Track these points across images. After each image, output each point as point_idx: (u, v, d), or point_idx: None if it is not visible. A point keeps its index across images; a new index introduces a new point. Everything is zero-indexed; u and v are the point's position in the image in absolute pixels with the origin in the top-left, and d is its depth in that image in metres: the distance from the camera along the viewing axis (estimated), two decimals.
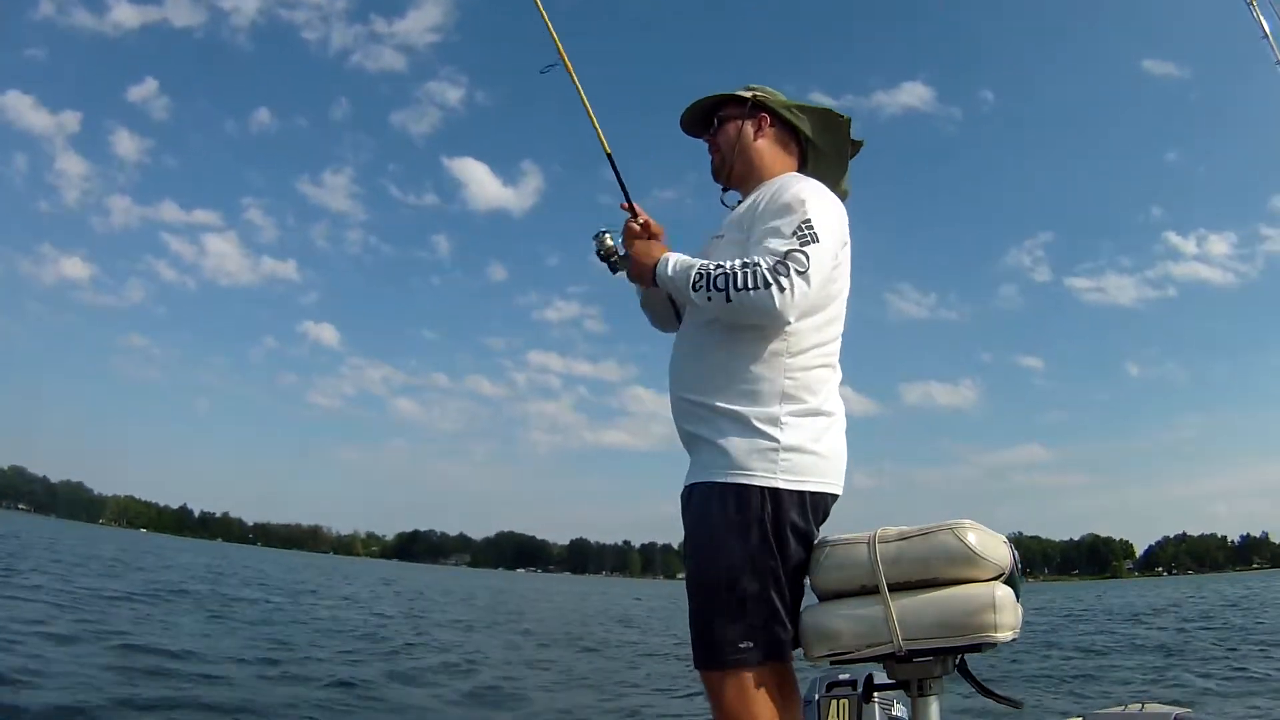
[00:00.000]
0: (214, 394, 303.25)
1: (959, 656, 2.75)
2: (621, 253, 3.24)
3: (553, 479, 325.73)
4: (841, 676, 3.82)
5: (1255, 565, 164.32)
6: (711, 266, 2.80)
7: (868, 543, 2.73)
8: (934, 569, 2.65)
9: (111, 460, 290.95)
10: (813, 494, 2.77)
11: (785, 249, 2.74)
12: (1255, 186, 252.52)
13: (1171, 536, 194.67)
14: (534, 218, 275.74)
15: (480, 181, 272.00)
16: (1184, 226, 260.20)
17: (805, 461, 2.76)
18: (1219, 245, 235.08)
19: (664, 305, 3.32)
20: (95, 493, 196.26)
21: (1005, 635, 2.58)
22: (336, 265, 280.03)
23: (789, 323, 2.74)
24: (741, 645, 2.66)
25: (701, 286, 2.80)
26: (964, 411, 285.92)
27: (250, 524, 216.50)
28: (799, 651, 2.82)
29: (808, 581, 2.86)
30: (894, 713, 3.84)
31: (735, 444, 2.76)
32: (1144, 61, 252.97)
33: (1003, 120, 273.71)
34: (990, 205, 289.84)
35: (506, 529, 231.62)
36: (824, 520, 2.87)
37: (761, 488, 2.71)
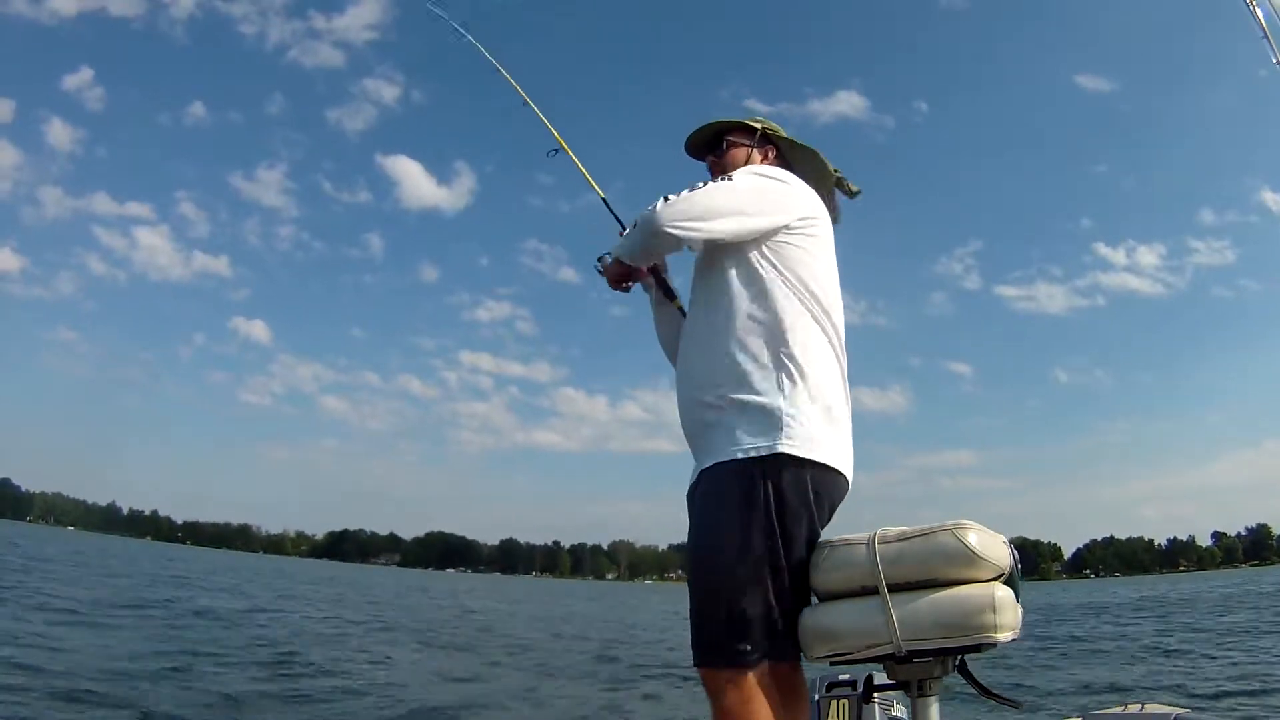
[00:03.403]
0: (143, 390, 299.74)
1: (959, 657, 2.74)
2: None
3: (483, 479, 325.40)
4: (841, 676, 3.82)
5: (1182, 568, 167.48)
6: None
7: (867, 543, 2.70)
8: (934, 569, 2.64)
9: (38, 456, 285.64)
10: (813, 475, 2.74)
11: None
12: (1184, 199, 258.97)
13: (1099, 539, 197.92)
14: (467, 218, 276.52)
15: (414, 180, 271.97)
16: (1113, 238, 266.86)
17: (804, 431, 2.74)
18: (1148, 256, 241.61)
19: (677, 337, 3.32)
20: (23, 490, 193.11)
21: (1005, 636, 2.57)
22: (268, 261, 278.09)
23: (667, 231, 2.85)
24: (740, 645, 2.63)
25: (627, 231, 3.12)
26: (892, 416, 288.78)
27: (179, 522, 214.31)
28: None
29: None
30: (894, 713, 3.85)
31: (735, 423, 2.77)
32: (1076, 75, 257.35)
33: (936, 130, 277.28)
34: (922, 213, 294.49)
35: (436, 529, 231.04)
36: (830, 516, 2.86)
37: (759, 470, 2.69)
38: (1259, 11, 5.76)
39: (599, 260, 3.35)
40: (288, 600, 26.59)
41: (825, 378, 2.86)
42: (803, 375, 2.79)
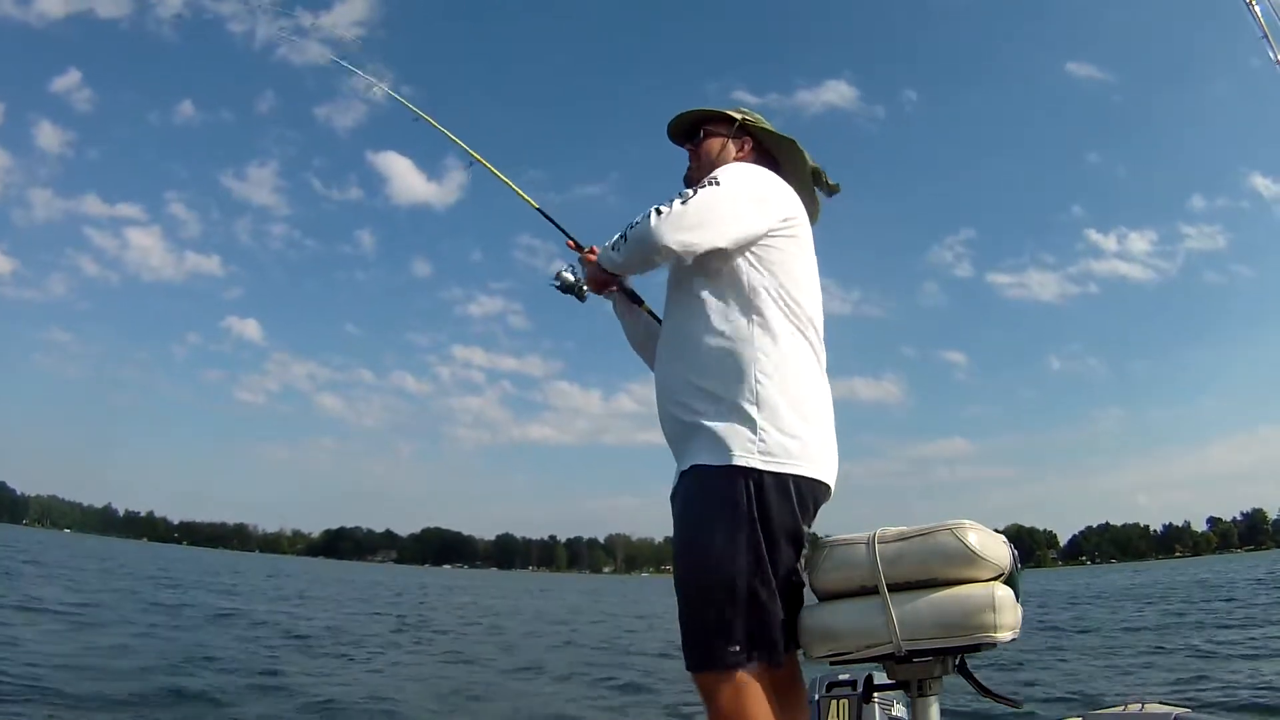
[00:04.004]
0: (136, 390, 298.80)
1: (959, 657, 2.75)
2: (584, 283, 3.44)
3: (478, 474, 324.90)
4: (841, 676, 3.84)
5: (1178, 553, 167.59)
6: (625, 227, 2.95)
7: (867, 543, 2.72)
8: (933, 569, 2.65)
9: (33, 459, 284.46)
10: (795, 480, 2.74)
11: (679, 192, 2.87)
12: (1175, 186, 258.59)
13: (1095, 526, 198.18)
14: (458, 213, 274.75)
15: (404, 176, 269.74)
16: (1105, 225, 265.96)
17: (783, 444, 2.74)
18: (1139, 243, 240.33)
19: (650, 339, 3.34)
20: (19, 493, 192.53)
21: (1005, 635, 2.58)
22: (260, 260, 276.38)
23: (665, 246, 2.80)
24: (730, 647, 2.63)
25: (615, 244, 3.00)
26: (887, 406, 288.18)
27: (175, 523, 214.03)
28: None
29: (806, 581, 2.84)
30: (894, 713, 3.87)
31: (715, 427, 2.76)
32: (1067, 64, 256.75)
33: (926, 119, 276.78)
34: (913, 203, 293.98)
35: (432, 525, 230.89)
36: (814, 515, 2.85)
37: (743, 472, 2.69)
38: (1258, 10, 5.74)
39: (557, 277, 3.42)
40: (297, 601, 26.64)
41: (804, 383, 2.86)
42: (780, 382, 2.79)
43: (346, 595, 32.95)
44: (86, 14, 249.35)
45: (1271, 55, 5.71)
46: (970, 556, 2.61)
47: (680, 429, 2.89)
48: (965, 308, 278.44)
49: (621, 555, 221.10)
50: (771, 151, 3.28)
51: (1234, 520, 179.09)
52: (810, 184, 3.24)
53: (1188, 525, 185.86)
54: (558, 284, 3.38)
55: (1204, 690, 9.21)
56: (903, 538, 2.70)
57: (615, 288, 3.43)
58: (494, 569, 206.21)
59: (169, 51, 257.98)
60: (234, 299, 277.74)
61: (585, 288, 3.40)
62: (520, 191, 3.88)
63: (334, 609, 24.26)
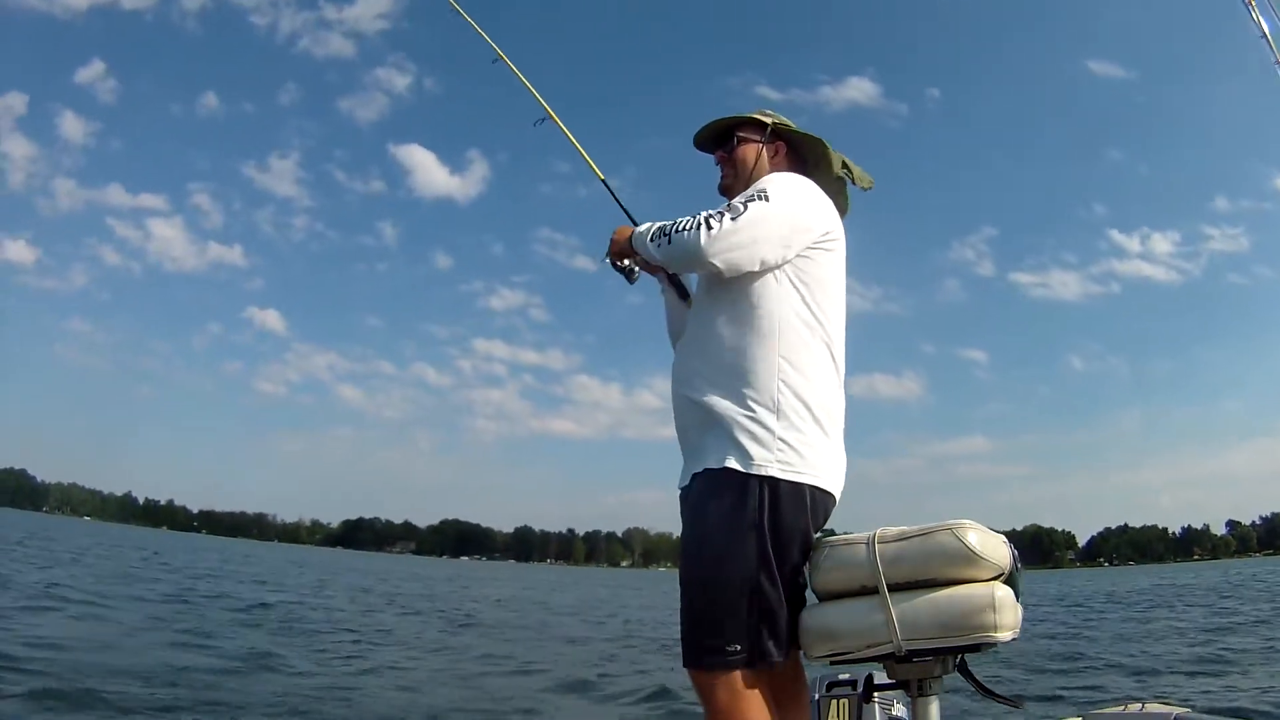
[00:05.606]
0: (157, 380, 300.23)
1: (959, 656, 2.75)
2: (635, 265, 3.33)
3: (497, 467, 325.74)
4: (842, 676, 3.84)
5: (1196, 556, 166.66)
6: (668, 222, 2.90)
7: (867, 543, 2.71)
8: (934, 569, 2.64)
9: (53, 447, 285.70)
10: (811, 490, 2.76)
11: (727, 205, 2.84)
12: (1198, 187, 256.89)
13: (1113, 528, 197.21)
14: (480, 206, 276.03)
15: (427, 169, 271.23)
16: (1127, 224, 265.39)
17: (800, 454, 2.75)
18: (1162, 243, 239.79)
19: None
20: (39, 480, 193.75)
21: (1005, 635, 2.58)
22: (282, 251, 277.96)
23: (712, 263, 2.78)
24: (729, 645, 2.64)
25: (655, 238, 2.94)
26: (907, 403, 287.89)
27: (195, 511, 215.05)
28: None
29: (807, 583, 2.85)
30: (894, 713, 3.86)
31: (733, 432, 2.76)
32: (1089, 62, 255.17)
33: (948, 117, 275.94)
34: (934, 200, 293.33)
35: (451, 516, 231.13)
36: (823, 523, 2.86)
37: (759, 478, 2.70)
38: (1259, 17, 5.72)
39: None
40: (330, 593, 26.69)
41: (822, 395, 2.86)
42: (801, 392, 2.80)
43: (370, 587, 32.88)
44: (111, 6, 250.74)
45: (1272, 55, 5.68)
46: (970, 556, 2.60)
47: (696, 428, 2.90)
48: (986, 306, 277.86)
49: (639, 550, 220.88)
50: (801, 152, 3.26)
51: (1253, 524, 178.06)
52: (837, 181, 3.20)
53: (1206, 528, 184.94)
54: (611, 260, 3.30)
55: (1205, 690, 9.17)
56: (903, 537, 2.70)
57: (664, 276, 3.36)
58: (512, 561, 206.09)
59: (192, 43, 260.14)
60: (255, 289, 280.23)
61: (636, 270, 3.34)
62: (590, 161, 3.77)
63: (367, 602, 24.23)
